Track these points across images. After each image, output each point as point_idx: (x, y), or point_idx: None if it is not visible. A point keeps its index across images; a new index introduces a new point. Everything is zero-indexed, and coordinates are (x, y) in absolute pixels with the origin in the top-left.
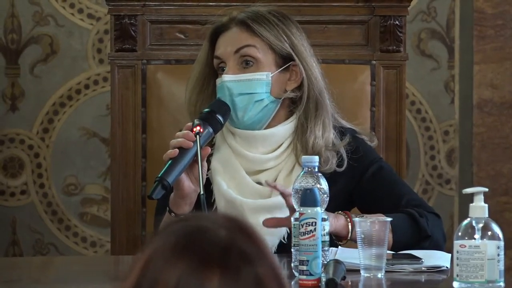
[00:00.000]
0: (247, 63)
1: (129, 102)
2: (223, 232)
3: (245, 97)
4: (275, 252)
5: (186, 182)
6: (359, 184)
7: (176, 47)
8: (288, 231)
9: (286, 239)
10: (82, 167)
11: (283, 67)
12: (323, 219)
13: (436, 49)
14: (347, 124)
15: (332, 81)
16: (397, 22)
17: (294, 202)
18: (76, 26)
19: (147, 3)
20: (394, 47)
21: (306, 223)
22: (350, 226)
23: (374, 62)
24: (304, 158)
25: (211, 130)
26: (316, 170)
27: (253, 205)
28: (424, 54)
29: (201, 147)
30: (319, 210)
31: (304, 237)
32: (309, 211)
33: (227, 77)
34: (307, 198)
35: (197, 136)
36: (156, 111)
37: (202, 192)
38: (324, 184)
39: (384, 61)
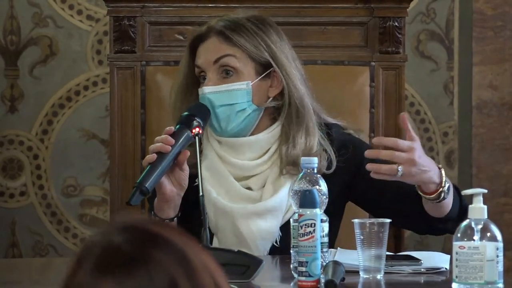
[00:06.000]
0: (227, 73)
1: (128, 104)
2: (116, 239)
3: (227, 108)
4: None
5: (168, 186)
6: (356, 176)
7: (175, 48)
8: (280, 234)
9: (278, 243)
10: (81, 168)
11: (263, 75)
12: (322, 220)
13: (435, 51)
14: (332, 120)
15: (331, 83)
16: (396, 24)
17: (293, 203)
18: (75, 28)
19: (146, 4)
20: (393, 49)
21: (305, 225)
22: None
23: (373, 63)
24: (303, 159)
25: (190, 134)
26: (315, 171)
27: (243, 211)
28: (423, 56)
29: (180, 151)
30: (318, 212)
31: (303, 238)
32: (308, 212)
33: (207, 89)
34: (306, 199)
35: (196, 137)
36: (155, 113)
37: (201, 193)
38: (323, 186)
39: (383, 63)
